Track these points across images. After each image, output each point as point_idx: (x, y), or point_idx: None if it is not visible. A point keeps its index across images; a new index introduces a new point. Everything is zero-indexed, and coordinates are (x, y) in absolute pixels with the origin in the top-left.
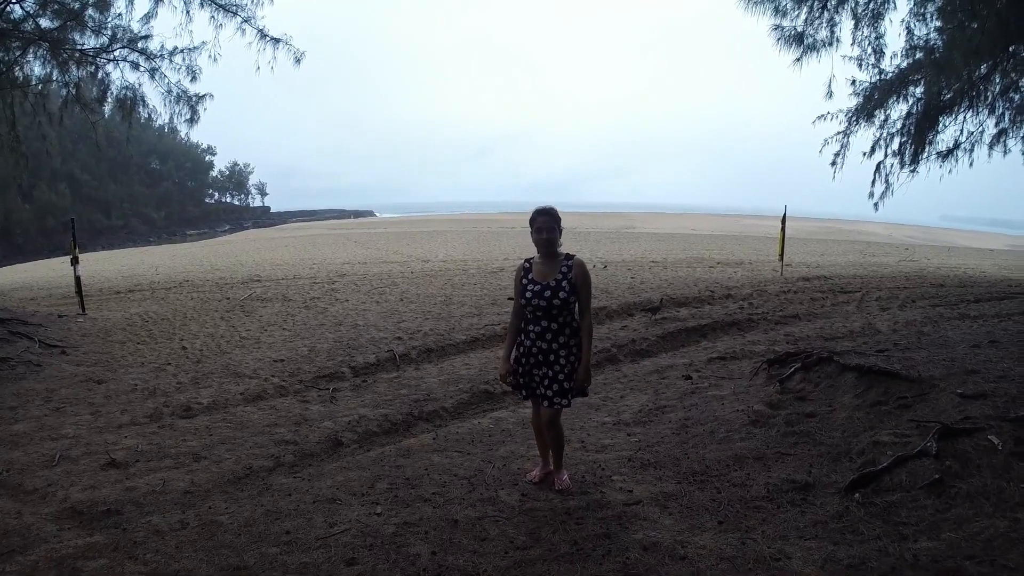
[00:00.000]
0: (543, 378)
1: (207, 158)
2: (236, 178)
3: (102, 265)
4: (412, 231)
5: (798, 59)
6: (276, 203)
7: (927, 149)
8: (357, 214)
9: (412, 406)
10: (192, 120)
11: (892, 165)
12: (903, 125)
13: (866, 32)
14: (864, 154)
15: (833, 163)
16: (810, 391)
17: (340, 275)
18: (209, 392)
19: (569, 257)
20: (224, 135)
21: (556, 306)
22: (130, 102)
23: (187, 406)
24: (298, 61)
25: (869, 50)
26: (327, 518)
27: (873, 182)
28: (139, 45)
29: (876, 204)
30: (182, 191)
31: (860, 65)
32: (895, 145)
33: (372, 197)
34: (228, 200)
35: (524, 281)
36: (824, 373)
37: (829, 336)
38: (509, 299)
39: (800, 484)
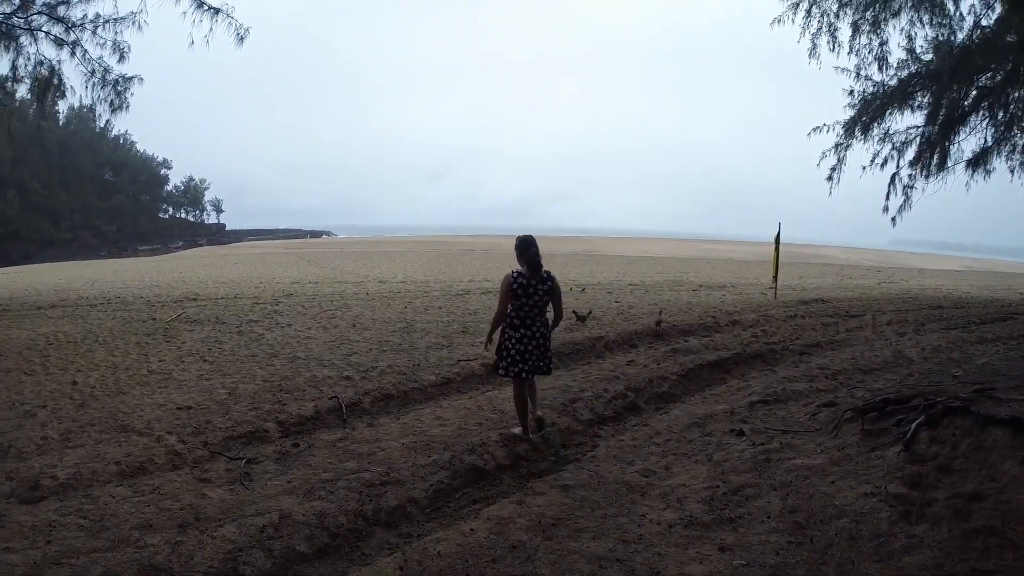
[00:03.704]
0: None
1: (162, 172)
2: (192, 193)
3: (40, 277)
4: (369, 251)
5: None
6: (231, 221)
7: (949, 159)
8: (313, 234)
9: (363, 496)
10: (117, 107)
11: (910, 176)
12: (922, 132)
13: (865, 40)
14: (864, 168)
15: (829, 178)
16: (950, 456)
17: (287, 295)
18: (76, 457)
19: None
20: (178, 150)
21: None
22: (46, 81)
23: (36, 482)
24: (241, 40)
25: (870, 58)
26: None
27: (888, 195)
28: (59, 12)
29: (894, 219)
30: (136, 204)
31: (857, 75)
32: (909, 154)
33: (328, 218)
34: (183, 216)
35: None
36: (959, 429)
37: (866, 368)
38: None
39: None
